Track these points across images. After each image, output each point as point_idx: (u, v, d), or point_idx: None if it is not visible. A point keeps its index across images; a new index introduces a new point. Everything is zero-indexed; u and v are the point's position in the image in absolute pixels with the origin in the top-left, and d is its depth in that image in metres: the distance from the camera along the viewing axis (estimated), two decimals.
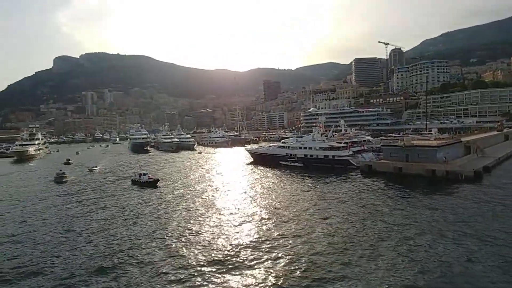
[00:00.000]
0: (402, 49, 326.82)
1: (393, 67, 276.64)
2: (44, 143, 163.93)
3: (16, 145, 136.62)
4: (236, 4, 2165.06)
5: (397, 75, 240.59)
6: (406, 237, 26.07)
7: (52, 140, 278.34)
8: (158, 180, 56.07)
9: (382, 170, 54.50)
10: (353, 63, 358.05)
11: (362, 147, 72.98)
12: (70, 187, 57.28)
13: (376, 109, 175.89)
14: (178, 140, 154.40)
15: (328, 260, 22.48)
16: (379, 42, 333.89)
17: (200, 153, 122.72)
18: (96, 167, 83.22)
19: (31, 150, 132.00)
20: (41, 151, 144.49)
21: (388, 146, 61.24)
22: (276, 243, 26.04)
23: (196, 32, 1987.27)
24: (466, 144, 61.82)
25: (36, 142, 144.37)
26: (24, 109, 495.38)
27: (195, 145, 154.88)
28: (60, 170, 67.09)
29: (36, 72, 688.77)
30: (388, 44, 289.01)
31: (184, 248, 25.88)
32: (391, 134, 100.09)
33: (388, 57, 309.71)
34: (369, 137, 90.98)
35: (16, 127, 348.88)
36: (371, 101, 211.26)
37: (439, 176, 47.69)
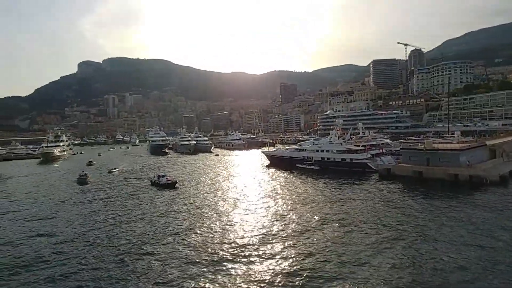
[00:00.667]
0: (422, 49, 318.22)
1: (413, 68, 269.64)
2: (69, 144, 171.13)
3: (43, 146, 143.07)
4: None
5: (417, 77, 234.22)
6: (425, 241, 25.52)
7: (76, 142, 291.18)
8: (176, 182, 57.22)
9: (401, 174, 53.24)
10: (371, 65, 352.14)
11: (381, 150, 71.52)
12: (92, 188, 59.45)
13: (395, 111, 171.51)
14: (195, 142, 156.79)
15: (340, 261, 22.60)
16: (398, 43, 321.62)
17: (217, 155, 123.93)
18: (116, 168, 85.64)
19: (56, 151, 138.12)
20: (65, 152, 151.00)
21: (407, 150, 59.79)
22: (290, 243, 26.45)
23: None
24: (491, 147, 59.37)
25: (61, 143, 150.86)
26: (50, 112, 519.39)
27: (212, 147, 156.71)
28: (83, 172, 69.59)
29: (61, 77, 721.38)
30: (407, 44, 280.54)
31: (198, 246, 26.46)
32: (410, 137, 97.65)
33: (407, 58, 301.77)
34: (387, 140, 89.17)
35: (43, 129, 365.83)
36: (390, 103, 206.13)
37: (462, 181, 46.05)
